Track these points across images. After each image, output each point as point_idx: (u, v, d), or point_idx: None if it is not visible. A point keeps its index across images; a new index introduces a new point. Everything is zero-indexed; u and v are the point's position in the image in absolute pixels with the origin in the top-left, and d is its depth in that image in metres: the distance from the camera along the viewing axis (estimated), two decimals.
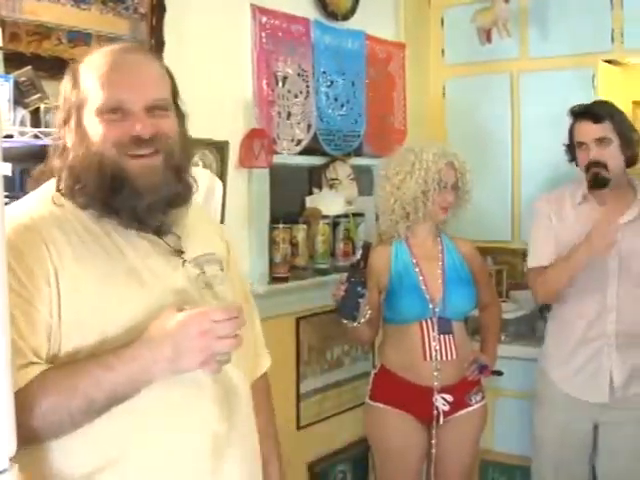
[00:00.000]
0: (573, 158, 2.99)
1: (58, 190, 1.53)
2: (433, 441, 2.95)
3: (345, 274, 2.77)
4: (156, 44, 2.54)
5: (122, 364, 1.38)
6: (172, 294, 1.50)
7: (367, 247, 2.76)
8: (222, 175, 2.82)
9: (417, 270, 2.96)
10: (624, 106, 3.74)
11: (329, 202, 3.48)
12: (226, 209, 2.74)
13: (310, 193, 3.50)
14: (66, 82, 1.55)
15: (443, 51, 4.14)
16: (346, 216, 3.56)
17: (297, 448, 3.27)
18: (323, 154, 3.44)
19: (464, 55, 4.05)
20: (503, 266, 4.16)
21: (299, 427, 3.31)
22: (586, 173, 2.90)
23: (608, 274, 2.88)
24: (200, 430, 1.50)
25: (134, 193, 1.48)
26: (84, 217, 1.51)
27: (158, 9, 2.56)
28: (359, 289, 2.69)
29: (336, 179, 3.53)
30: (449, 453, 2.99)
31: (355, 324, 2.76)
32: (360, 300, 2.70)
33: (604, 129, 2.86)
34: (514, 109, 3.94)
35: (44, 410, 1.35)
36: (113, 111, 1.49)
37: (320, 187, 3.53)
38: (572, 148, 2.97)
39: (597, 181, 2.87)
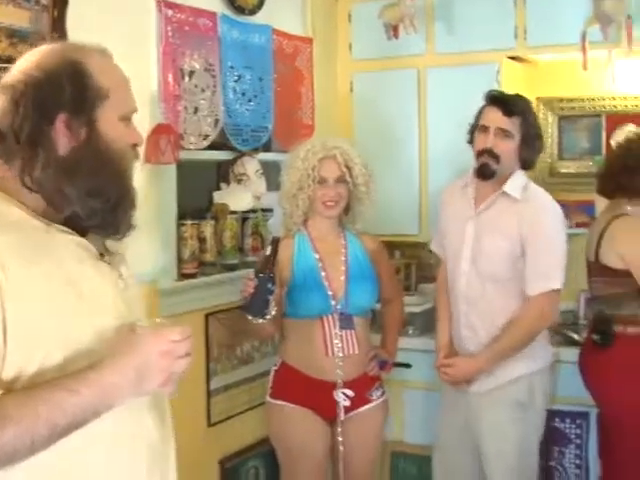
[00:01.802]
0: (472, 140, 3.08)
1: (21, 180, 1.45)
2: (340, 438, 3.01)
3: (253, 270, 2.80)
4: (58, 37, 2.49)
5: (86, 388, 1.36)
6: (111, 305, 1.49)
7: (276, 242, 2.79)
8: None
9: (320, 265, 3.00)
10: None
11: (237, 197, 3.49)
12: None
13: (218, 189, 3.50)
14: (63, 71, 1.47)
15: (351, 46, 4.19)
16: (254, 211, 3.59)
17: (208, 445, 3.31)
18: (231, 149, 3.45)
19: (372, 50, 4.12)
20: (412, 260, 4.25)
21: (210, 424, 3.33)
22: (477, 159, 3.01)
23: (460, 264, 3.05)
24: (140, 440, 1.51)
25: (132, 200, 1.53)
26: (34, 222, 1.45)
27: (60, 0, 2.52)
28: (269, 285, 2.71)
29: (244, 174, 3.52)
30: (354, 449, 3.05)
31: (261, 321, 2.75)
32: (269, 297, 2.72)
33: (511, 123, 2.94)
34: (421, 104, 4.02)
35: (3, 442, 1.30)
36: (129, 118, 1.55)
37: (228, 182, 3.52)
38: (474, 130, 3.06)
39: (483, 170, 2.98)
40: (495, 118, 2.95)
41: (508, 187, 2.99)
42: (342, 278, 2.98)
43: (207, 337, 3.30)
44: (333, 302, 2.95)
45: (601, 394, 3.28)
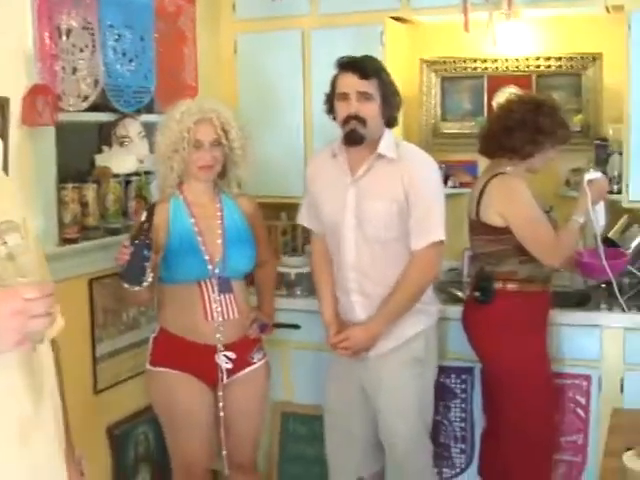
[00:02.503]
0: (331, 110, 3.09)
1: None
2: (221, 403, 3.02)
3: (128, 236, 2.77)
4: None
5: None
6: None
7: (152, 207, 2.78)
8: (3, 134, 2.74)
9: (196, 230, 2.99)
10: (411, 63, 4.08)
11: (120, 160, 3.45)
12: (9, 170, 2.69)
13: (100, 151, 3.46)
14: None
15: (234, 6, 4.16)
16: (138, 174, 3.54)
17: (95, 412, 3.30)
18: (112, 111, 3.39)
19: (255, 11, 4.10)
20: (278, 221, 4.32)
21: (96, 391, 3.32)
22: (343, 127, 3.01)
23: (345, 233, 3.07)
24: (6, 414, 1.47)
25: None
26: None
27: None
28: (145, 252, 2.68)
29: (127, 137, 3.48)
30: (237, 414, 3.07)
31: (138, 288, 2.73)
32: (146, 264, 2.69)
33: (369, 85, 2.96)
34: (305, 65, 4.03)
35: None
36: None
37: (110, 145, 3.48)
38: (332, 99, 3.06)
39: (352, 136, 2.99)
40: (353, 83, 2.97)
41: (382, 148, 3.02)
42: (219, 242, 2.99)
43: (92, 303, 3.27)
44: (210, 267, 2.95)
45: (482, 349, 3.41)
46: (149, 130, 3.54)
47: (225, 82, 4.16)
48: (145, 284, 2.73)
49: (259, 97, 4.09)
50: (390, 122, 3.07)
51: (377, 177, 3.04)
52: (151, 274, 2.75)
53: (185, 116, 2.91)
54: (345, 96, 2.98)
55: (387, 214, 3.02)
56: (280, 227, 4.34)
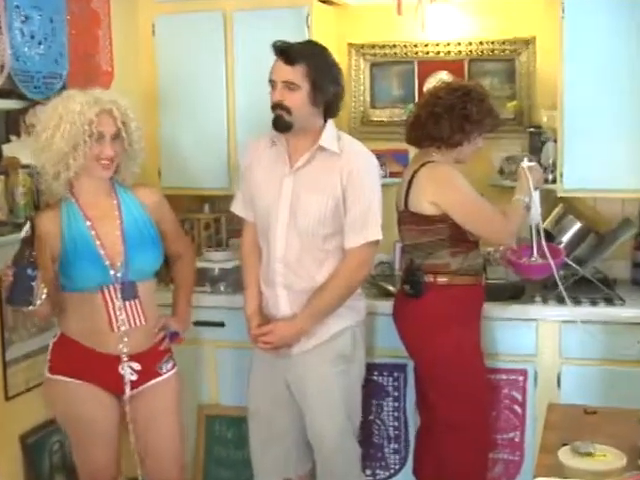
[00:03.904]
0: None
1: None
2: (129, 415, 2.98)
3: (12, 257, 2.67)
4: None
5: None
6: None
7: (31, 220, 2.68)
8: None
9: (93, 233, 2.90)
10: (338, 47, 4.07)
11: (29, 150, 3.34)
12: None
13: (8, 141, 3.36)
14: None
15: None
16: None
17: (7, 420, 3.24)
18: (21, 97, 3.33)
19: None
20: (221, 214, 4.30)
21: (7, 397, 3.25)
22: (273, 113, 3.03)
23: (277, 224, 3.08)
24: None
25: None
26: None
27: None
28: (29, 272, 2.60)
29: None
30: (147, 425, 3.02)
31: (29, 309, 2.68)
32: (32, 284, 2.62)
33: (294, 73, 2.96)
34: (227, 49, 4.01)
35: None
36: None
37: (19, 134, 3.40)
38: None
39: (277, 124, 3.02)
40: (279, 70, 2.98)
41: (324, 141, 3.03)
42: (119, 243, 2.92)
43: (0, 303, 3.18)
44: (112, 272, 2.88)
45: (413, 345, 3.44)
46: None
47: (143, 67, 4.13)
48: (38, 302, 2.66)
49: (179, 83, 4.07)
50: (329, 112, 3.07)
51: (316, 170, 3.05)
52: (44, 290, 2.68)
53: (86, 107, 2.81)
54: (273, 83, 3.01)
55: (323, 209, 3.03)
56: (203, 220, 4.31)
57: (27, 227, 2.63)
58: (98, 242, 2.89)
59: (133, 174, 3.03)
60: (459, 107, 3.26)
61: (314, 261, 3.08)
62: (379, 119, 4.33)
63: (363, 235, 3.04)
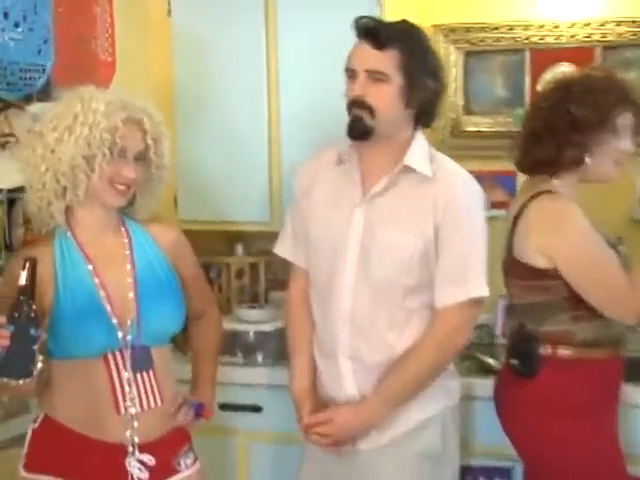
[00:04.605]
0: None
1: None
2: None
3: (6, 313, 2.64)
4: None
5: None
6: None
7: (33, 264, 2.66)
8: None
9: (96, 281, 2.89)
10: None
11: (1, 169, 3.43)
12: None
13: None
14: None
15: None
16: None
17: None
18: None
19: None
20: (259, 258, 4.31)
21: None
22: (348, 114, 3.04)
23: (342, 271, 3.09)
24: None
25: None
26: None
27: None
28: (32, 332, 2.59)
29: (10, 135, 3.49)
30: None
31: (25, 381, 2.63)
32: (34, 347, 2.60)
33: (384, 60, 2.97)
34: (269, 36, 4.07)
35: None
36: None
37: None
38: None
39: (354, 128, 3.02)
40: (363, 56, 3.00)
41: (411, 159, 3.04)
42: (130, 295, 2.90)
43: None
44: (120, 333, 2.85)
45: (523, 441, 3.36)
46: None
47: (154, 58, 4.22)
48: (35, 373, 2.62)
49: (203, 81, 4.12)
50: (422, 118, 3.10)
51: (400, 198, 3.06)
52: (40, 358, 2.65)
53: (113, 109, 2.83)
54: (353, 74, 3.01)
55: (407, 252, 3.04)
56: (234, 266, 4.36)
57: (25, 272, 2.62)
58: (103, 293, 2.88)
59: (149, 208, 3.06)
60: (558, 113, 3.21)
61: (392, 323, 3.08)
62: (476, 129, 4.33)
63: (462, 290, 3.04)
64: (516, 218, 3.28)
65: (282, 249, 3.38)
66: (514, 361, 3.32)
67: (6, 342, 2.55)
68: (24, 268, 2.62)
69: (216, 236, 4.24)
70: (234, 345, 3.96)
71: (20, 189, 3.35)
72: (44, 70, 3.55)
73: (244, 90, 4.10)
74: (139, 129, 2.88)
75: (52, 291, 2.84)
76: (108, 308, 2.86)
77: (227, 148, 4.09)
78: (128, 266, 2.94)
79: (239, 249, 4.39)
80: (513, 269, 3.34)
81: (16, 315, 2.56)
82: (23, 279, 2.60)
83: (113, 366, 2.85)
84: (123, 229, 2.99)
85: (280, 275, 4.09)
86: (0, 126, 3.48)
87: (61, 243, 2.92)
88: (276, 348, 3.94)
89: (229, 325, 3.83)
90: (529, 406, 3.29)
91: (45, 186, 2.85)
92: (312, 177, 3.24)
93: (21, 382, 2.60)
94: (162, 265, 3.01)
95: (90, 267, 2.90)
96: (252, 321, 4.06)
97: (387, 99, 3.00)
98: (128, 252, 2.96)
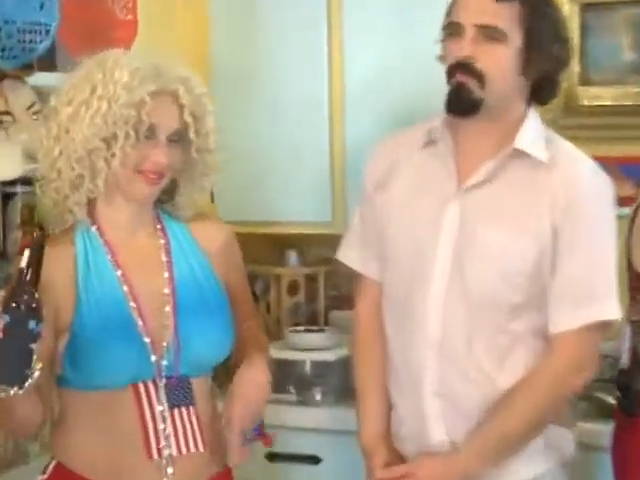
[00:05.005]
0: None
1: None
2: None
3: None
4: None
5: None
6: None
7: (39, 243, 2.57)
8: None
9: (125, 290, 2.85)
10: None
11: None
12: None
13: None
14: None
15: None
16: (27, 182, 3.37)
17: None
18: None
19: None
20: (318, 268, 4.34)
21: None
22: (448, 80, 2.97)
23: (429, 282, 3.02)
24: None
25: None
26: None
27: None
28: (31, 325, 2.47)
29: (6, 113, 3.47)
30: None
31: (16, 391, 2.47)
32: (32, 346, 2.50)
33: (500, 13, 2.90)
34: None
35: None
36: None
37: None
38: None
39: (456, 98, 2.94)
40: (474, 6, 2.93)
41: (524, 141, 2.99)
42: (167, 309, 2.85)
43: None
44: (154, 357, 2.80)
45: None
46: (47, 101, 3.23)
47: (186, 17, 4.20)
48: (30, 382, 2.51)
49: (246, 50, 4.15)
50: (540, 91, 3.03)
51: (508, 190, 3.00)
52: (38, 366, 2.54)
53: (139, 80, 2.76)
54: (457, 29, 2.93)
55: (515, 260, 2.98)
56: (286, 278, 4.35)
57: (28, 251, 2.52)
58: (133, 304, 2.82)
59: (192, 202, 3.03)
60: None
61: (491, 351, 3.01)
62: (596, 103, 4.25)
63: (587, 312, 2.96)
64: (633, 219, 3.32)
65: (348, 256, 3.32)
66: (618, 394, 3.36)
67: None
68: (26, 246, 2.55)
69: (263, 241, 4.28)
70: (286, 379, 3.96)
71: (18, 180, 3.46)
72: (47, 31, 3.52)
73: (298, 59, 4.14)
74: (174, 103, 2.83)
75: (73, 301, 2.79)
76: (139, 323, 2.81)
77: (276, 130, 4.11)
78: (165, 274, 2.89)
79: (292, 257, 4.37)
80: (634, 280, 3.33)
81: (13, 303, 2.46)
82: (25, 260, 2.50)
83: (145, 399, 2.80)
84: (160, 229, 2.96)
85: (345, 290, 4.12)
86: None
87: (84, 241, 2.88)
88: (339, 383, 3.93)
89: (279, 353, 3.87)
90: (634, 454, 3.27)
91: (60, 175, 2.81)
92: (391, 163, 3.18)
93: (12, 392, 2.47)
94: (207, 275, 2.98)
95: (119, 272, 2.84)
96: (309, 348, 4.06)
97: (502, 63, 2.93)
98: (165, 257, 2.93)
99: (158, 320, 2.83)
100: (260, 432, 2.90)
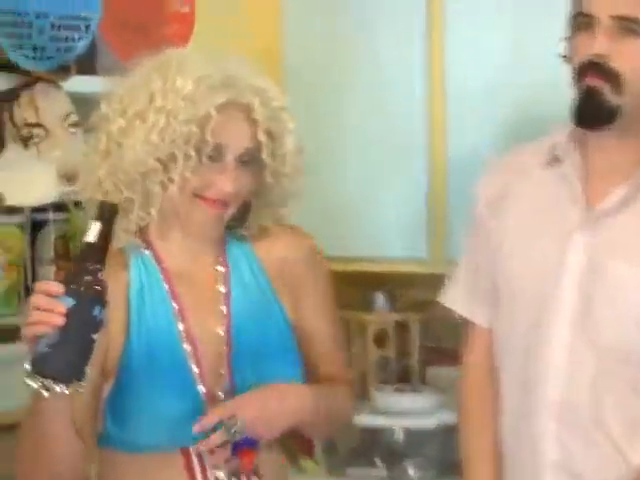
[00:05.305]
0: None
1: None
2: None
3: (57, 280, 2.50)
4: None
5: None
6: None
7: (111, 213, 2.51)
8: None
9: (180, 327, 2.81)
10: None
11: (23, 178, 3.46)
12: None
13: None
14: None
15: None
16: (62, 207, 3.56)
17: None
18: (6, 69, 3.44)
19: None
20: (412, 314, 4.32)
21: None
22: (576, 83, 2.91)
23: (551, 328, 2.95)
24: None
25: None
26: None
27: None
28: (96, 311, 2.41)
29: (37, 125, 3.47)
30: None
31: (71, 390, 2.39)
32: (94, 336, 2.42)
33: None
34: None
35: None
36: None
37: (1, 144, 3.53)
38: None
39: (590, 106, 2.87)
40: None
41: None
42: (222, 353, 2.81)
43: None
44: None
45: None
46: (86, 111, 3.26)
47: (252, 9, 4.25)
48: (83, 383, 2.42)
49: (324, 53, 4.20)
50: None
51: None
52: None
53: (207, 88, 2.72)
54: (588, 21, 2.84)
55: None
56: (373, 326, 4.32)
57: (99, 224, 2.45)
58: (188, 348, 2.80)
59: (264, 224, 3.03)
60: None
61: (624, 415, 2.91)
62: None
63: None
64: None
65: (451, 298, 3.26)
66: None
67: (60, 320, 2.36)
68: (97, 218, 2.47)
69: (344, 281, 4.07)
70: (372, 449, 3.96)
71: (50, 207, 3.56)
72: (87, 27, 3.55)
73: (391, 61, 4.13)
74: (246, 118, 2.78)
75: (122, 338, 2.78)
76: (195, 371, 2.78)
77: (361, 147, 4.12)
78: (222, 308, 2.85)
79: (380, 301, 4.34)
80: None
81: (77, 285, 2.40)
82: (93, 234, 2.44)
83: (197, 466, 2.77)
84: (221, 252, 2.94)
85: (446, 341, 4.11)
86: (22, 112, 3.49)
87: (139, 265, 2.86)
88: (438, 455, 3.91)
89: (364, 418, 3.86)
90: None
91: (107, 196, 2.79)
92: (505, 184, 3.14)
93: (67, 390, 2.40)
94: (271, 307, 2.93)
95: (175, 306, 2.82)
96: (401, 412, 4.01)
97: None
98: (222, 288, 2.87)
99: (213, 367, 2.81)
100: (249, 444, 2.82)
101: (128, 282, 2.81)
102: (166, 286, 2.83)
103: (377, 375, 4.23)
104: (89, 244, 2.43)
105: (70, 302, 2.37)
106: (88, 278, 2.41)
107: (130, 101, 2.75)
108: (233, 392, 2.78)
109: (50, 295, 2.39)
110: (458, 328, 3.26)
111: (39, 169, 3.43)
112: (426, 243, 4.04)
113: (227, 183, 2.72)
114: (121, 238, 2.79)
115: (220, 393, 2.78)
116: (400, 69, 4.11)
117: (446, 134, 4.08)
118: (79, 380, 2.40)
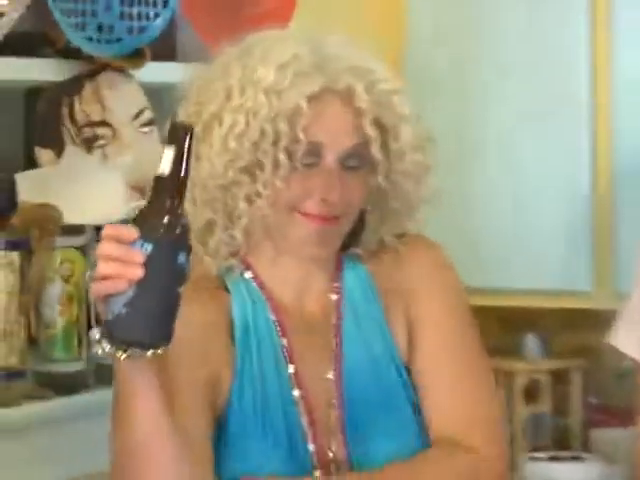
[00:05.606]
0: None
1: None
2: None
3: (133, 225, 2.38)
4: None
5: None
6: None
7: (186, 132, 2.34)
8: None
9: (290, 370, 2.72)
10: None
11: (85, 189, 3.47)
12: None
13: (30, 163, 3.54)
14: None
15: None
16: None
17: None
18: (64, 55, 3.45)
19: None
20: (572, 361, 4.28)
21: None
22: None
23: None
24: None
25: None
26: None
27: None
28: (181, 258, 2.29)
29: (104, 124, 3.49)
30: None
31: (154, 351, 2.27)
32: (180, 290, 2.29)
33: None
34: None
35: None
36: None
37: (59, 147, 3.51)
38: None
39: None
40: None
41: None
42: (333, 401, 2.69)
43: None
44: (317, 474, 2.66)
45: None
46: (163, 106, 3.43)
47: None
48: (166, 344, 2.36)
49: (463, 58, 4.32)
50: None
51: None
52: None
53: (290, 76, 2.63)
54: None
55: None
56: (522, 378, 4.31)
57: (170, 152, 2.27)
58: (297, 394, 2.73)
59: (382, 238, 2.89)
60: None
61: None
62: None
63: None
64: None
65: (623, 340, 3.05)
66: None
67: (139, 272, 2.22)
68: (172, 141, 2.29)
69: (485, 318, 3.89)
70: None
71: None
72: (165, 3, 3.52)
73: (544, 59, 4.26)
74: (348, 107, 2.68)
75: (231, 371, 2.72)
76: (304, 422, 2.72)
77: (504, 156, 4.21)
78: (333, 350, 2.78)
79: (531, 345, 4.27)
80: None
81: (154, 228, 2.27)
82: (168, 163, 2.28)
83: None
84: (335, 276, 2.84)
85: (614, 396, 4.06)
86: (84, 107, 3.49)
87: (240, 288, 2.79)
88: None
89: None
90: None
91: (196, 207, 2.77)
92: None
93: (150, 353, 2.32)
94: (385, 344, 2.78)
95: (284, 341, 2.75)
96: None
97: None
98: (335, 320, 2.78)
99: (323, 417, 2.72)
100: None
101: (230, 305, 2.74)
102: (272, 315, 2.75)
103: (527, 438, 4.08)
104: (166, 177, 2.26)
105: (148, 249, 2.24)
106: (168, 218, 2.26)
107: (206, 100, 2.70)
108: (348, 454, 2.68)
109: (122, 242, 2.21)
110: (630, 379, 3.19)
111: (104, 178, 3.46)
112: (590, 273, 3.96)
113: (331, 191, 2.62)
114: (210, 270, 2.75)
115: (330, 453, 2.69)
116: (558, 70, 4.23)
117: (611, 143, 4.15)
118: (167, 344, 2.30)
